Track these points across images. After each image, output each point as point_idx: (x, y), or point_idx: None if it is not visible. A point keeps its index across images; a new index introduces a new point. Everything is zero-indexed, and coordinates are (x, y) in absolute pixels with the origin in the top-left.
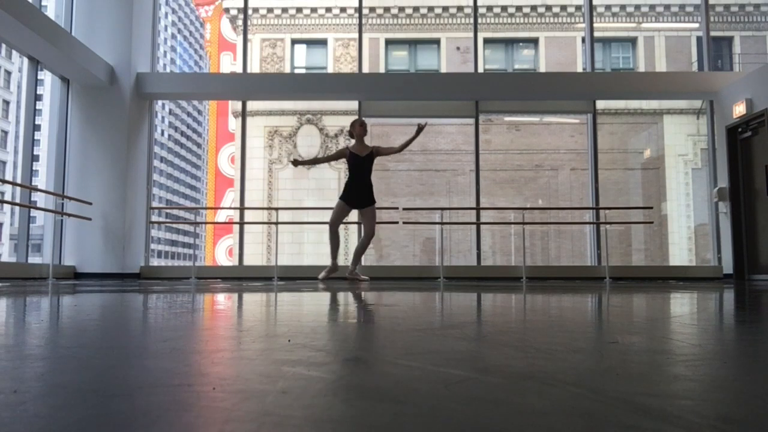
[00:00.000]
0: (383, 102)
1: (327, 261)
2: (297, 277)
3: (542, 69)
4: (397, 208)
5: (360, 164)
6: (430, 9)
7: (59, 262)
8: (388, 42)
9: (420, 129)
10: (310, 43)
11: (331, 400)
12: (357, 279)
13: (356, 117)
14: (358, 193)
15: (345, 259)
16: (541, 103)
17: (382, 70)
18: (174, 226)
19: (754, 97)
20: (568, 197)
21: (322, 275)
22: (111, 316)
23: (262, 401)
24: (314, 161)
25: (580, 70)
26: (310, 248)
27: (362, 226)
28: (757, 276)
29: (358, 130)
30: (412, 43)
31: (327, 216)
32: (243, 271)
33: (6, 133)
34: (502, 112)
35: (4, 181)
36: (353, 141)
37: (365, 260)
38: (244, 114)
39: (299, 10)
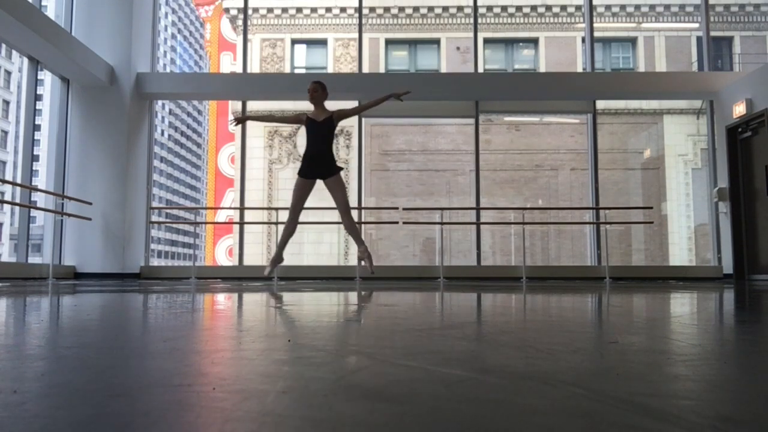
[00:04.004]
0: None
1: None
2: (297, 277)
3: (542, 69)
4: (397, 208)
5: (316, 131)
6: (430, 9)
7: (59, 262)
8: (388, 42)
9: (399, 95)
10: (310, 43)
11: (331, 400)
12: (368, 261)
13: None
14: (316, 163)
15: (345, 259)
16: (541, 103)
17: (382, 70)
18: (174, 226)
19: (754, 97)
20: (568, 197)
21: (267, 270)
22: (111, 316)
23: (262, 401)
24: (266, 118)
25: (580, 70)
26: (310, 248)
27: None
28: (757, 276)
29: (312, 93)
30: (412, 43)
31: (327, 216)
32: (243, 271)
33: (6, 133)
34: (502, 112)
35: (4, 181)
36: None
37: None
38: (244, 114)
39: (299, 10)
